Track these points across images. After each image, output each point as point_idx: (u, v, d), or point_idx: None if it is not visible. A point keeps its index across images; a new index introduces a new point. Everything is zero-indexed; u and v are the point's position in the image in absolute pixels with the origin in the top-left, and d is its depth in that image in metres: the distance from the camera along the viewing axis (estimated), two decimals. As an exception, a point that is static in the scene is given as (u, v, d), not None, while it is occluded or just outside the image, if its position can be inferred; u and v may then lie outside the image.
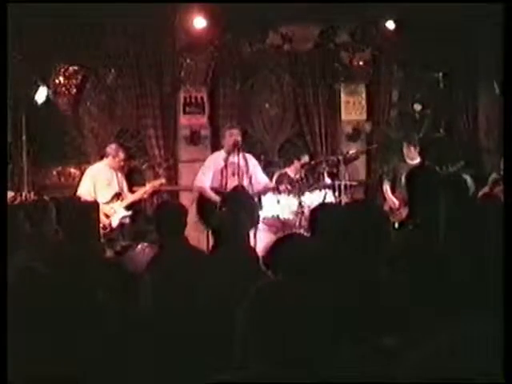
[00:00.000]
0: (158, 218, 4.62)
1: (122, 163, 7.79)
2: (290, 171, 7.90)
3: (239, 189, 6.99)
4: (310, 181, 7.70)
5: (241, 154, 7.15)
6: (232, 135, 7.16)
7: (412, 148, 7.83)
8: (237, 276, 3.44)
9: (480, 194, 7.07)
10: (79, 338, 2.33)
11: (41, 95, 7.69)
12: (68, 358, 2.25)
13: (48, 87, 7.85)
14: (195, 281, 3.50)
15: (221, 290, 3.42)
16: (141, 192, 7.78)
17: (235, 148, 7.06)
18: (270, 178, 7.72)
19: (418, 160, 7.80)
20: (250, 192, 6.98)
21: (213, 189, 7.15)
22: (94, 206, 5.97)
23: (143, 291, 3.35)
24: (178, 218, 4.46)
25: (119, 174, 7.79)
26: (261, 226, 6.94)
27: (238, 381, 1.94)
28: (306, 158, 8.02)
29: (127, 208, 7.67)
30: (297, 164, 7.90)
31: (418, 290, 2.42)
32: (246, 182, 7.10)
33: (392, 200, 7.71)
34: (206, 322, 3.30)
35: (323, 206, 5.49)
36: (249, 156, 7.41)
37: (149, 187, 7.78)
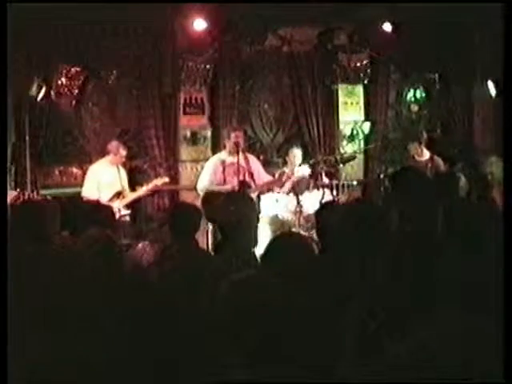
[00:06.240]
0: (171, 219, 4.48)
1: (123, 160, 7.82)
2: (289, 171, 7.96)
3: (239, 187, 7.08)
4: (309, 180, 7.75)
5: (242, 155, 7.24)
6: (234, 136, 7.25)
7: (419, 146, 7.93)
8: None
9: (474, 194, 7.13)
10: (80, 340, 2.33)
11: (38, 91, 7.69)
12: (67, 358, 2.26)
13: (46, 84, 7.85)
14: (201, 280, 3.55)
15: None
16: (142, 190, 7.81)
17: (236, 149, 7.16)
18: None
19: (427, 157, 7.91)
20: (252, 191, 7.08)
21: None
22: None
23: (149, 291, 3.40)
24: (193, 220, 4.40)
25: (121, 171, 7.79)
26: (260, 224, 7.00)
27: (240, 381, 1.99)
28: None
29: (127, 206, 7.69)
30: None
31: (417, 290, 2.46)
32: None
33: None
34: (209, 322, 3.36)
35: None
36: (251, 156, 7.50)
37: (151, 185, 7.80)
